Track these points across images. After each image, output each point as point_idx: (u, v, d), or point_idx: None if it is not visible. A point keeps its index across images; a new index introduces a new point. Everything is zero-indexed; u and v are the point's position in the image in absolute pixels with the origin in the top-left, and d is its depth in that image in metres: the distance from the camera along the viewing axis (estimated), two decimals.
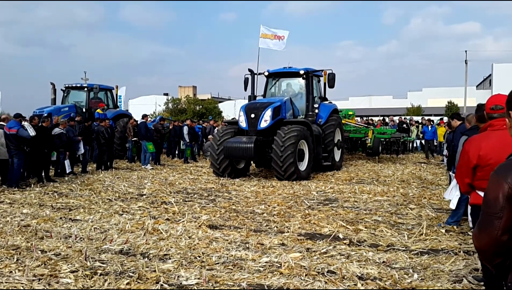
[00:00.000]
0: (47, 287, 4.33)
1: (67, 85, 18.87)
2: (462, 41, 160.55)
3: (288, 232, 6.52)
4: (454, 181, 6.68)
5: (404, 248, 5.71)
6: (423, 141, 21.54)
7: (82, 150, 13.86)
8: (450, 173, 7.42)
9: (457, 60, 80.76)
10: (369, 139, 17.52)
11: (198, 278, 4.56)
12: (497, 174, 1.93)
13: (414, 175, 13.45)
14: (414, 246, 5.81)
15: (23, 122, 10.86)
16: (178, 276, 4.64)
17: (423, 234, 6.34)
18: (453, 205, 6.68)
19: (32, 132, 10.61)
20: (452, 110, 43.59)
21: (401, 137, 19.04)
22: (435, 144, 20.69)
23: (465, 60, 46.65)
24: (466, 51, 46.60)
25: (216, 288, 4.31)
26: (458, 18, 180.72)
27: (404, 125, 22.47)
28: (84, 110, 18.28)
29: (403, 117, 27.88)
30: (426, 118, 23.79)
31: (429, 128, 19.55)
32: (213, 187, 10.95)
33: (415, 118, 28.76)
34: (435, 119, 25.24)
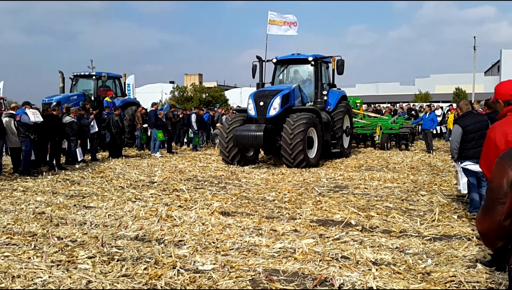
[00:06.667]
0: (66, 272, 4.40)
1: (75, 74, 18.93)
2: (475, 26, 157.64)
3: (300, 218, 6.56)
4: (459, 169, 6.68)
5: (417, 234, 5.73)
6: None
7: (96, 128, 13.99)
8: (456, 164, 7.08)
9: (467, 45, 79.91)
10: (377, 136, 17.35)
11: (214, 264, 4.62)
12: (503, 160, 1.94)
13: (423, 162, 13.42)
14: (427, 232, 5.83)
15: (27, 109, 10.87)
16: (194, 261, 4.70)
17: (436, 220, 6.36)
18: (464, 190, 6.72)
19: (35, 118, 10.59)
20: (460, 97, 43.30)
21: (410, 129, 18.35)
22: (439, 132, 19.66)
23: (474, 46, 46.24)
24: (475, 37, 46.36)
25: (232, 273, 4.36)
26: (472, 2, 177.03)
27: (413, 112, 22.34)
28: (92, 98, 18.35)
29: (411, 104, 27.64)
30: (425, 104, 22.73)
31: (427, 115, 16.20)
32: (223, 175, 11.01)
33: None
34: (444, 105, 25.02)
